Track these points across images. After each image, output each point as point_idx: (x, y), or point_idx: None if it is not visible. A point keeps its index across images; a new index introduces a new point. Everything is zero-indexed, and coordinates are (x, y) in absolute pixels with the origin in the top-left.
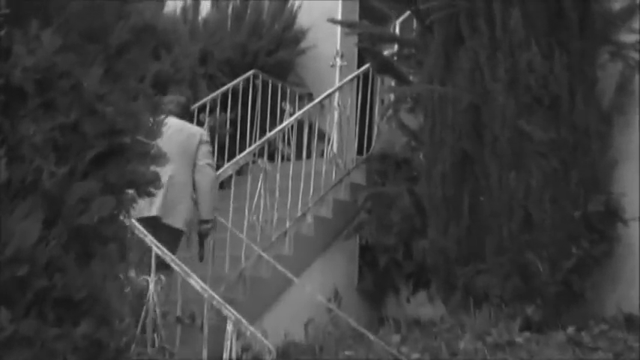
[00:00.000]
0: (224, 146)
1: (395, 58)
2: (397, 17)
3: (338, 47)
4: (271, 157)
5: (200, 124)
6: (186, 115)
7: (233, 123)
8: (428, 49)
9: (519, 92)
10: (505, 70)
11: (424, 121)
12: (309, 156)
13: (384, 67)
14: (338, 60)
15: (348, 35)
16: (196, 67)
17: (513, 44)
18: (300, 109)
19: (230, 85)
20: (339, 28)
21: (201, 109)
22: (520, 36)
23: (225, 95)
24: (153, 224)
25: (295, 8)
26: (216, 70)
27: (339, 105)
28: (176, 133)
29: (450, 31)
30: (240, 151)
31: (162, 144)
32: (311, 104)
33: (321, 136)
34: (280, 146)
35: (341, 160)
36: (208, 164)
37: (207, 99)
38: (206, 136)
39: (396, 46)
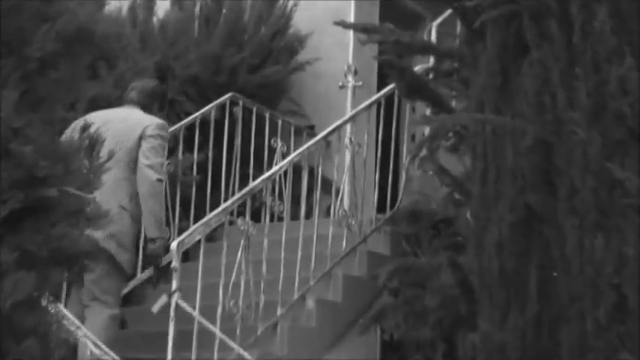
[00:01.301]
0: (189, 200)
1: (430, 75)
2: (433, 19)
3: (350, 61)
4: (256, 216)
5: None
6: (154, 104)
7: (202, 167)
8: (477, 63)
9: (607, 123)
10: (587, 92)
11: (473, 165)
12: (309, 215)
13: (416, 88)
14: (350, 79)
15: (365, 44)
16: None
17: (599, 56)
18: (296, 147)
19: (198, 114)
20: (351, 35)
21: None
22: (609, 44)
23: (190, 128)
24: None
25: (290, 6)
26: (178, 93)
27: (351, 142)
28: (113, 125)
29: (509, 38)
30: (213, 208)
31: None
32: (312, 141)
33: (327, 186)
34: (269, 201)
35: (354, 221)
36: (148, 165)
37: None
38: (154, 129)
39: (431, 59)
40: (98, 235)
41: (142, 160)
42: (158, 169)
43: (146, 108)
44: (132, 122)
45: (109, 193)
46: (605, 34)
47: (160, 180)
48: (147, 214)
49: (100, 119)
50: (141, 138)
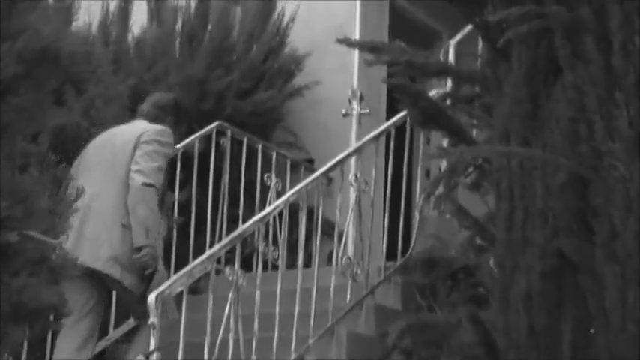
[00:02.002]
0: (170, 246)
1: (448, 101)
2: (451, 36)
3: (355, 85)
4: (247, 265)
5: None
6: (166, 118)
7: (184, 208)
8: (501, 87)
9: None
10: (629, 120)
11: (497, 205)
12: (308, 263)
13: (431, 116)
14: (355, 106)
15: (372, 66)
16: (126, 118)
17: None
18: (293, 185)
19: (179, 146)
20: (356, 55)
21: None
22: None
23: (171, 163)
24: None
25: (286, 22)
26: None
27: (356, 179)
28: (107, 142)
29: (539, 58)
30: (197, 255)
31: (88, 155)
32: (311, 178)
33: (328, 229)
34: (261, 247)
35: (360, 270)
36: (135, 171)
37: None
38: (150, 135)
39: (449, 83)
40: (102, 258)
41: (132, 167)
42: (147, 174)
43: (157, 121)
44: (129, 135)
45: (105, 218)
46: None
47: (147, 185)
48: (133, 221)
49: (100, 139)
50: (135, 148)
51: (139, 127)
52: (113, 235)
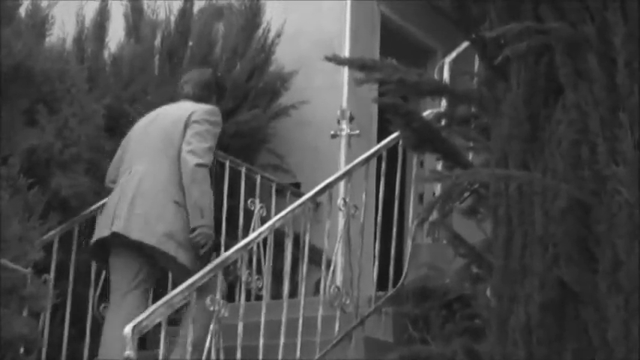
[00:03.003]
0: None
1: (443, 122)
2: (446, 54)
3: (344, 104)
4: (229, 295)
5: None
6: (212, 96)
7: None
8: (499, 108)
9: None
10: (634, 143)
11: (494, 232)
12: (294, 293)
13: (424, 137)
14: (344, 126)
15: (362, 84)
16: (101, 139)
17: None
18: (278, 210)
19: None
20: (345, 73)
21: None
22: None
23: None
24: (133, 247)
25: (271, 38)
26: None
27: (345, 203)
28: (156, 122)
29: (539, 77)
30: (175, 285)
31: (136, 136)
32: (298, 202)
33: (316, 257)
34: (245, 275)
35: (349, 300)
36: (188, 151)
37: None
38: (201, 114)
39: (444, 103)
40: (157, 234)
41: (184, 147)
42: (200, 154)
43: (202, 101)
44: (178, 114)
45: (157, 196)
46: None
47: (200, 165)
48: (188, 201)
49: (145, 120)
50: (186, 127)
51: (187, 106)
52: (166, 212)
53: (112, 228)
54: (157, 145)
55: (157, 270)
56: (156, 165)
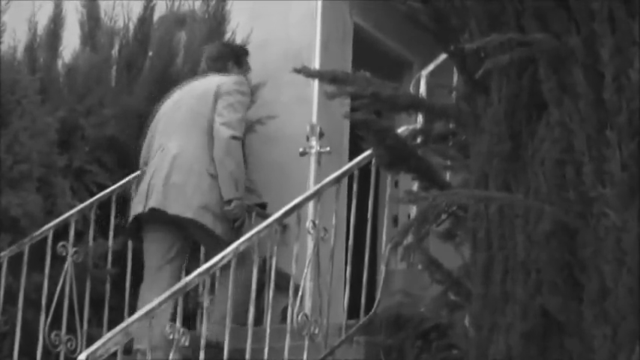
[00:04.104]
0: (103, 300)
1: (419, 139)
2: (423, 66)
3: (314, 120)
4: (190, 322)
5: (59, 258)
6: (228, 63)
7: (120, 257)
8: (479, 124)
9: None
10: (622, 163)
11: (473, 257)
12: (258, 321)
13: (399, 156)
14: (314, 143)
15: (333, 99)
16: (54, 154)
17: (636, 115)
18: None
19: (114, 187)
20: (315, 86)
21: (62, 232)
22: None
23: (104, 206)
24: (169, 221)
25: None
26: (89, 161)
27: (315, 226)
28: (184, 97)
29: (521, 91)
30: (133, 311)
31: (164, 115)
32: (264, 224)
33: (283, 282)
34: (207, 301)
35: (318, 329)
36: (222, 123)
37: (71, 213)
38: (231, 85)
39: (420, 119)
40: (193, 207)
41: (217, 119)
42: (234, 126)
43: (221, 71)
44: (205, 86)
45: (191, 169)
46: None
47: (234, 137)
48: (222, 174)
49: (172, 99)
50: (216, 99)
51: (215, 79)
52: (202, 184)
53: (149, 203)
54: (186, 120)
55: (189, 245)
56: (188, 140)
